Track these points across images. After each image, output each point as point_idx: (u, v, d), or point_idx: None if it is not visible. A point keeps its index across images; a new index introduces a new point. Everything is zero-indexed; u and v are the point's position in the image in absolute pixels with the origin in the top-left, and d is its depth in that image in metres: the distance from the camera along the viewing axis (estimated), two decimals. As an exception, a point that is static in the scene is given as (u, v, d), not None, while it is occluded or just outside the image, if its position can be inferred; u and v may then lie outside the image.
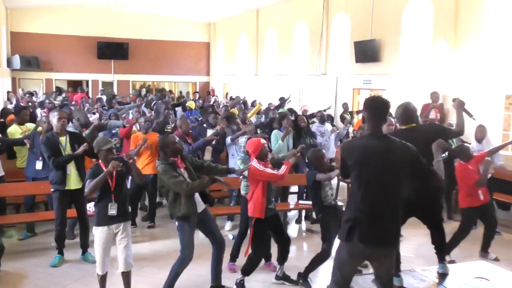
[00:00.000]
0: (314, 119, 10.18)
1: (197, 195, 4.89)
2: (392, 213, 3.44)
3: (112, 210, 4.67)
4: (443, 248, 4.87)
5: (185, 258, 4.83)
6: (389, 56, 12.64)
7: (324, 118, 9.50)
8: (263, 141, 5.25)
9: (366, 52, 13.20)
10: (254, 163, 5.04)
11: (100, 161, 4.80)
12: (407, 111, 4.72)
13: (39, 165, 6.62)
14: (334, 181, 6.59)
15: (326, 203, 5.37)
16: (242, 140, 5.95)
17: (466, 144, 6.56)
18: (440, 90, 10.54)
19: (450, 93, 10.50)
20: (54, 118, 5.84)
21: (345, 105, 13.25)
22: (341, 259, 3.54)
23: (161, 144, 4.91)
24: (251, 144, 5.21)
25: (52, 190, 5.85)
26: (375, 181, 3.40)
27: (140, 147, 7.05)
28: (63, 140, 5.80)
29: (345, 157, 3.57)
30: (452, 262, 5.61)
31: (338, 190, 8.86)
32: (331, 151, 9.19)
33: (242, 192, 5.68)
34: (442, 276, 4.61)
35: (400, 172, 3.44)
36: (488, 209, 6.30)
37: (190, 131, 7.54)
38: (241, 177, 5.58)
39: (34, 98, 16.11)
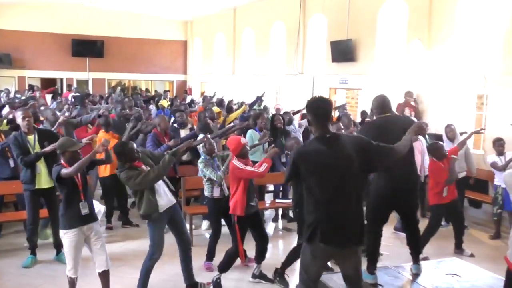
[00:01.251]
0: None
1: (165, 189, 4.85)
2: (351, 212, 3.42)
3: (85, 209, 4.59)
4: (418, 249, 4.93)
5: (154, 253, 4.83)
6: (365, 56, 12.75)
7: (291, 120, 9.54)
8: (243, 140, 5.27)
9: (342, 52, 13.30)
10: (235, 161, 5.05)
11: (62, 161, 4.59)
12: (381, 102, 4.74)
13: (12, 163, 6.50)
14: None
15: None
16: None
17: (440, 142, 6.68)
18: (415, 90, 10.69)
19: (424, 93, 10.67)
20: (19, 118, 5.74)
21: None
22: (306, 260, 3.56)
23: (118, 152, 4.68)
24: (232, 142, 5.22)
25: (23, 189, 5.74)
26: (330, 185, 3.39)
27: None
28: (31, 138, 5.70)
29: (298, 163, 3.47)
30: (425, 258, 5.72)
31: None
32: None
33: (206, 194, 5.75)
34: (416, 274, 4.67)
35: (353, 166, 3.40)
36: (455, 206, 6.45)
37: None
38: (204, 179, 5.70)
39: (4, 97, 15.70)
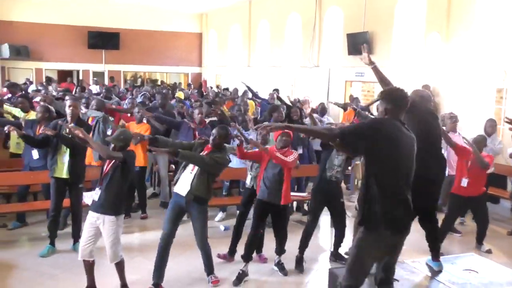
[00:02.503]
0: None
1: (187, 178, 4.90)
2: (409, 199, 3.42)
3: (96, 196, 4.63)
4: (437, 246, 4.82)
5: (161, 237, 4.98)
6: (382, 49, 12.62)
7: (325, 109, 9.67)
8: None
9: (359, 44, 13.15)
10: (278, 154, 5.22)
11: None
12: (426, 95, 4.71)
13: (35, 154, 6.56)
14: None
15: (327, 175, 5.54)
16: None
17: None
18: (432, 83, 10.56)
19: (441, 86, 10.53)
20: (66, 105, 5.96)
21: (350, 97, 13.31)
22: (366, 250, 3.41)
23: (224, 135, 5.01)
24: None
25: (49, 176, 5.87)
26: (403, 168, 3.36)
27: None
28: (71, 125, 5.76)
29: (374, 132, 3.31)
30: (440, 254, 5.66)
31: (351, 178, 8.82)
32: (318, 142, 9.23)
33: (250, 184, 5.87)
34: (436, 271, 4.58)
35: (414, 160, 3.45)
36: (479, 202, 6.40)
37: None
38: (249, 169, 5.92)
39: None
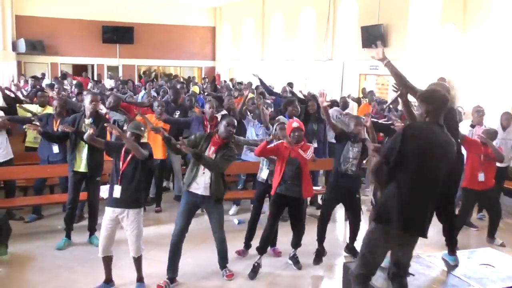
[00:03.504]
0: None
1: (205, 178, 4.90)
2: (432, 202, 3.41)
3: (116, 193, 4.66)
4: (453, 240, 4.78)
5: (173, 233, 4.98)
6: (397, 41, 12.50)
7: (347, 104, 9.62)
8: (294, 124, 5.30)
9: (373, 37, 13.05)
10: (300, 150, 5.19)
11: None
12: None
13: (55, 148, 6.64)
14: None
15: (342, 169, 5.51)
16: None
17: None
18: (448, 76, 10.43)
19: (458, 79, 10.40)
20: (86, 100, 5.94)
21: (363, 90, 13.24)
22: (375, 242, 3.46)
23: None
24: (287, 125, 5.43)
25: (68, 170, 5.95)
26: (428, 170, 3.33)
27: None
28: (88, 121, 5.84)
29: (408, 138, 3.31)
30: (456, 249, 5.62)
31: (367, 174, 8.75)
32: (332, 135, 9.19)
33: (265, 177, 5.82)
34: (453, 266, 4.55)
35: (449, 162, 3.42)
36: (491, 195, 6.35)
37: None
38: (265, 164, 5.84)
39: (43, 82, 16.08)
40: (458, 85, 10.33)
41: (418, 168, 3.31)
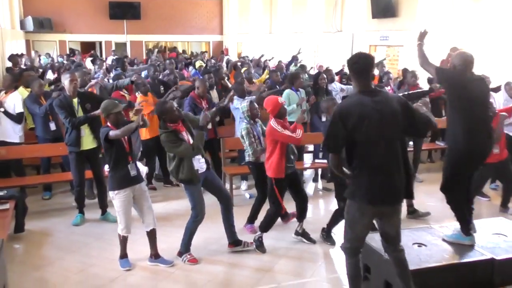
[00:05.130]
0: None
1: (199, 156, 4.90)
2: (399, 168, 3.40)
3: (133, 171, 4.74)
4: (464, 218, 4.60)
5: (197, 215, 4.93)
6: (407, 11, 12.29)
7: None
8: (281, 99, 5.21)
9: (383, 7, 12.84)
10: (272, 122, 5.02)
11: (109, 124, 4.72)
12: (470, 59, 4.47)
13: (52, 126, 6.76)
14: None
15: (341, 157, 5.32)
16: (244, 104, 5.76)
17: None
18: (460, 45, 10.25)
19: (471, 49, 10.22)
20: (66, 80, 5.85)
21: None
22: (352, 217, 3.54)
23: (158, 112, 4.82)
24: (269, 102, 5.16)
25: (68, 152, 5.95)
26: (377, 138, 3.32)
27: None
28: (75, 101, 5.84)
29: (342, 118, 3.33)
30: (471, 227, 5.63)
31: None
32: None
33: (248, 158, 5.67)
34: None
35: (399, 120, 3.37)
36: (504, 166, 6.30)
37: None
38: (245, 143, 5.60)
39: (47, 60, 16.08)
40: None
41: (364, 137, 3.31)
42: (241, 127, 5.72)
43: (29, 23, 20.15)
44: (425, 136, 3.87)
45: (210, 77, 8.33)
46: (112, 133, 4.58)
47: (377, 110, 3.32)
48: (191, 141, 4.79)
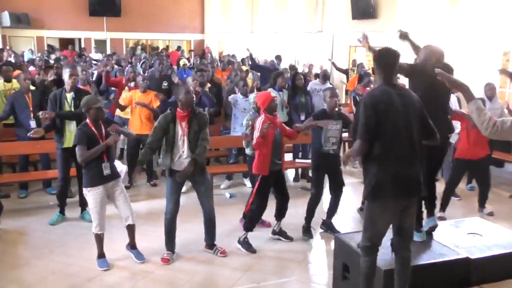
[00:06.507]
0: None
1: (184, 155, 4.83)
2: (418, 160, 3.46)
3: (107, 170, 4.70)
4: (433, 202, 4.72)
5: (166, 212, 4.95)
6: (386, 13, 12.42)
7: (327, 76, 9.45)
8: (273, 93, 5.26)
9: (363, 8, 12.95)
10: (259, 120, 5.06)
11: (88, 120, 4.70)
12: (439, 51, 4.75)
13: (33, 123, 6.60)
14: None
15: (323, 150, 5.37)
16: (251, 96, 5.88)
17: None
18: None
19: (448, 50, 10.37)
20: (66, 74, 5.85)
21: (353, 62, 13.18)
22: (373, 215, 3.52)
23: (174, 92, 4.86)
24: (261, 96, 5.23)
25: (56, 148, 5.94)
26: (404, 127, 3.39)
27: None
28: (70, 96, 5.80)
29: (376, 105, 3.37)
30: (441, 218, 5.74)
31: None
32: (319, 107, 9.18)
33: (248, 151, 5.68)
34: (433, 229, 4.55)
35: (417, 116, 3.47)
36: (481, 165, 6.43)
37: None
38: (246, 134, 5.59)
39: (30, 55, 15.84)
40: (448, 56, 10.32)
41: (394, 128, 3.37)
42: (246, 117, 5.69)
43: (6, 18, 19.74)
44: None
45: (202, 74, 8.35)
46: (78, 153, 4.59)
47: (402, 101, 3.43)
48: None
